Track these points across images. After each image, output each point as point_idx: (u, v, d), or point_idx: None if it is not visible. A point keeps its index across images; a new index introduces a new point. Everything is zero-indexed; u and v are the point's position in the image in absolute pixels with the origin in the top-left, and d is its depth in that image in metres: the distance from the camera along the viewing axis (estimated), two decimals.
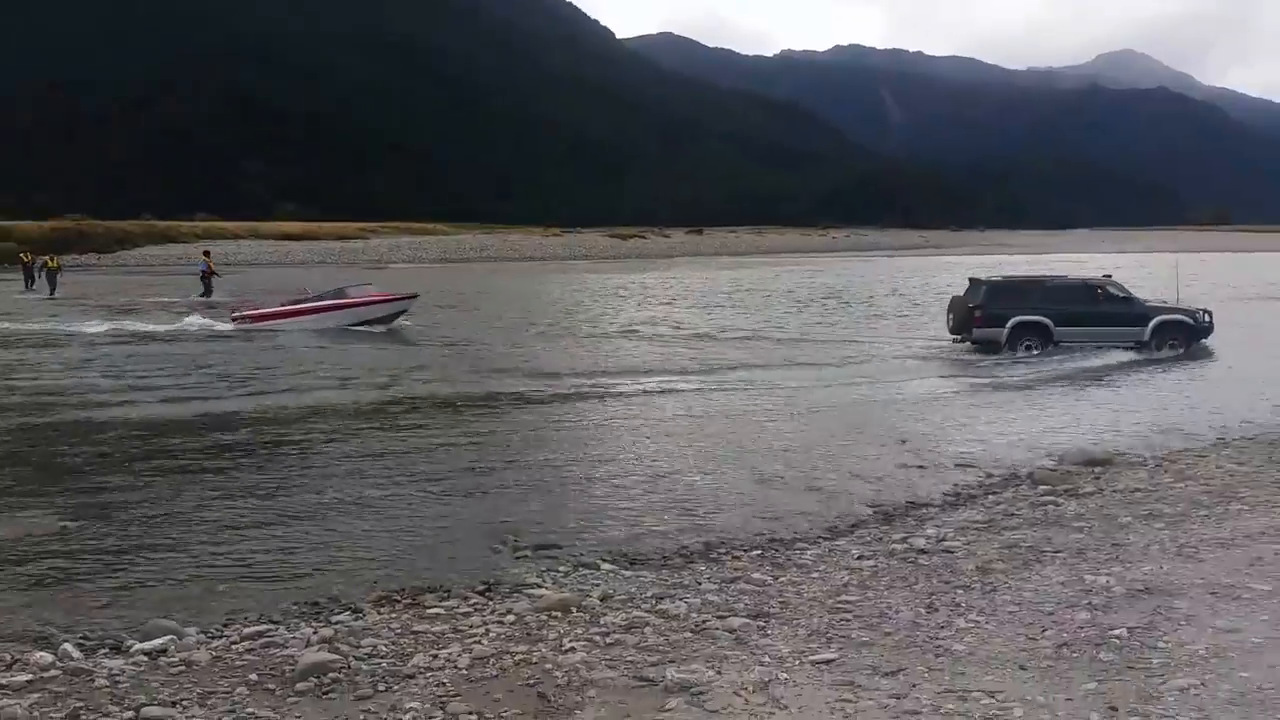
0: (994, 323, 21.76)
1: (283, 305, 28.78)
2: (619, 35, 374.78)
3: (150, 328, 26.88)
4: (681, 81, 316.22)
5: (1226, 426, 13.45)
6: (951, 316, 23.76)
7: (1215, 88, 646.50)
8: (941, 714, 4.40)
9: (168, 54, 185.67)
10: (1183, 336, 21.74)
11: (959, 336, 23.31)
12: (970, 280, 24.08)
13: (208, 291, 38.07)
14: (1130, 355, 20.90)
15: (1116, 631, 5.27)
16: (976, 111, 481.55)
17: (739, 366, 20.65)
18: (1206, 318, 22.20)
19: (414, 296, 30.18)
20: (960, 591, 6.41)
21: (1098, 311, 22.03)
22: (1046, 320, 21.62)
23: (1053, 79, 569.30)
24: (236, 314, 28.25)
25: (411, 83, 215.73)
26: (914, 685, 4.76)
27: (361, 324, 27.61)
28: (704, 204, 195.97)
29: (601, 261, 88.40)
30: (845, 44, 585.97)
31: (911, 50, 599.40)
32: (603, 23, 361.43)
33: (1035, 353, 21.37)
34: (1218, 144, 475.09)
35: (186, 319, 28.41)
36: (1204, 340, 22.09)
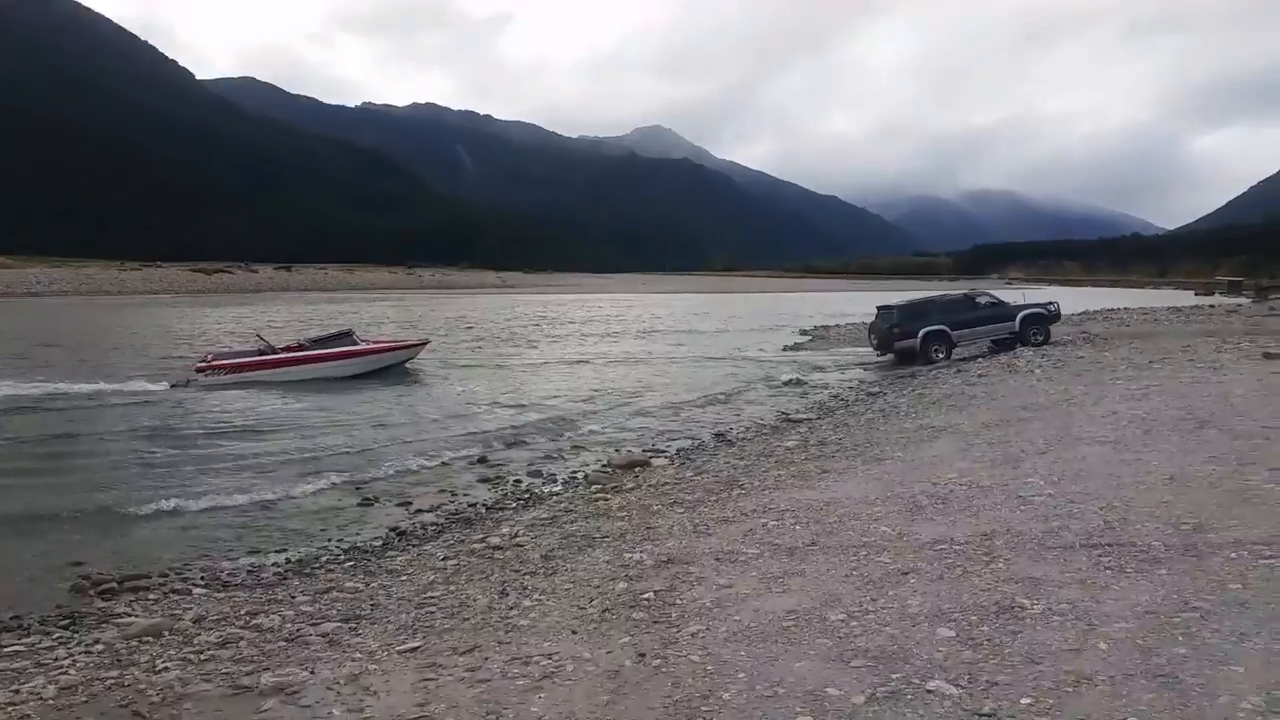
0: (909, 336, 24.23)
1: (265, 353, 22.83)
2: (199, 76, 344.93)
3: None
4: (266, 124, 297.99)
5: (731, 428, 15.38)
6: (874, 338, 26.16)
7: (725, 160, 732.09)
8: (508, 677, 4.72)
9: None
10: (1041, 323, 24.83)
11: (881, 352, 25.80)
12: (879, 308, 26.71)
13: None
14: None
15: (646, 595, 5.92)
16: (539, 170, 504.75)
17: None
18: (1054, 307, 25.72)
19: (424, 343, 25.83)
20: (528, 577, 6.83)
21: (979, 315, 24.93)
22: (945, 327, 24.20)
23: (600, 146, 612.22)
24: (203, 364, 21.80)
25: None
26: (487, 658, 5.05)
27: (362, 374, 22.77)
28: (293, 242, 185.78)
29: (185, 296, 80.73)
30: (422, 102, 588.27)
31: (482, 112, 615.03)
32: (181, 63, 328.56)
33: (941, 354, 23.71)
34: (727, 206, 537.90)
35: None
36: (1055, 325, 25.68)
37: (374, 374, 23.21)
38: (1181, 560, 5.74)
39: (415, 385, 22.15)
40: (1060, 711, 3.88)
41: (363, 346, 24.05)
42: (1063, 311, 27.73)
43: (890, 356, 25.71)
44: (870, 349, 27.03)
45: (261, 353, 23.11)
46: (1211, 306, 50.02)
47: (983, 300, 25.85)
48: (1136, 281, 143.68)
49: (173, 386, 21.03)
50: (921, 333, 24.28)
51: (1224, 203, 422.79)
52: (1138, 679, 4.13)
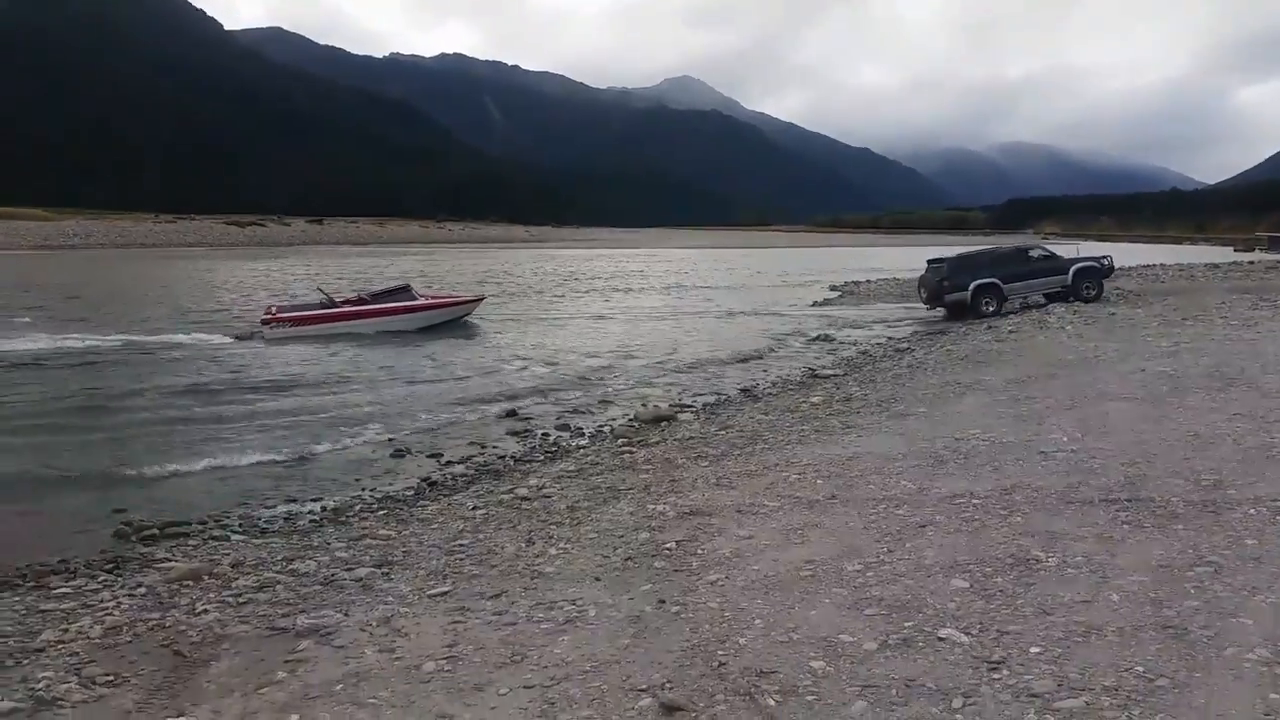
0: (960, 289, 24.03)
1: (326, 306, 23.28)
2: (227, 27, 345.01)
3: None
4: (295, 75, 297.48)
5: (757, 384, 15.46)
6: (924, 291, 25.90)
7: (755, 111, 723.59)
8: (533, 621, 4.90)
9: None
10: (1094, 277, 24.52)
11: (931, 306, 25.70)
12: (929, 261, 26.34)
13: None
14: None
15: (668, 545, 6.06)
16: (568, 121, 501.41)
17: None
18: (1107, 261, 25.44)
19: (481, 299, 26.34)
20: (554, 527, 7.01)
21: (1031, 268, 24.73)
22: (997, 280, 24.01)
23: (628, 98, 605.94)
24: (267, 316, 22.34)
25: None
26: (513, 602, 5.24)
27: (426, 328, 23.27)
28: (323, 195, 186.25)
29: (219, 249, 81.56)
30: (450, 52, 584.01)
31: (509, 63, 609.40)
32: (209, 13, 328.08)
33: (992, 307, 23.53)
34: (758, 158, 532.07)
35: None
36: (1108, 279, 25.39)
37: (419, 330, 23.43)
38: (1200, 516, 5.79)
39: (446, 340, 22.34)
40: (1068, 660, 3.98)
41: (422, 301, 24.33)
42: None
43: (941, 311, 25.45)
44: (895, 305, 26.84)
45: (324, 306, 23.43)
46: (1250, 263, 49.04)
47: (1035, 254, 25.57)
48: (1174, 237, 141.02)
49: (237, 339, 21.57)
50: (972, 286, 23.96)
51: (1267, 156, 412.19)
52: (1147, 630, 4.22)
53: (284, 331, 21.76)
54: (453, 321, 24.48)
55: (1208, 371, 11.09)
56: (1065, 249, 28.28)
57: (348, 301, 23.94)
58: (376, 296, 24.20)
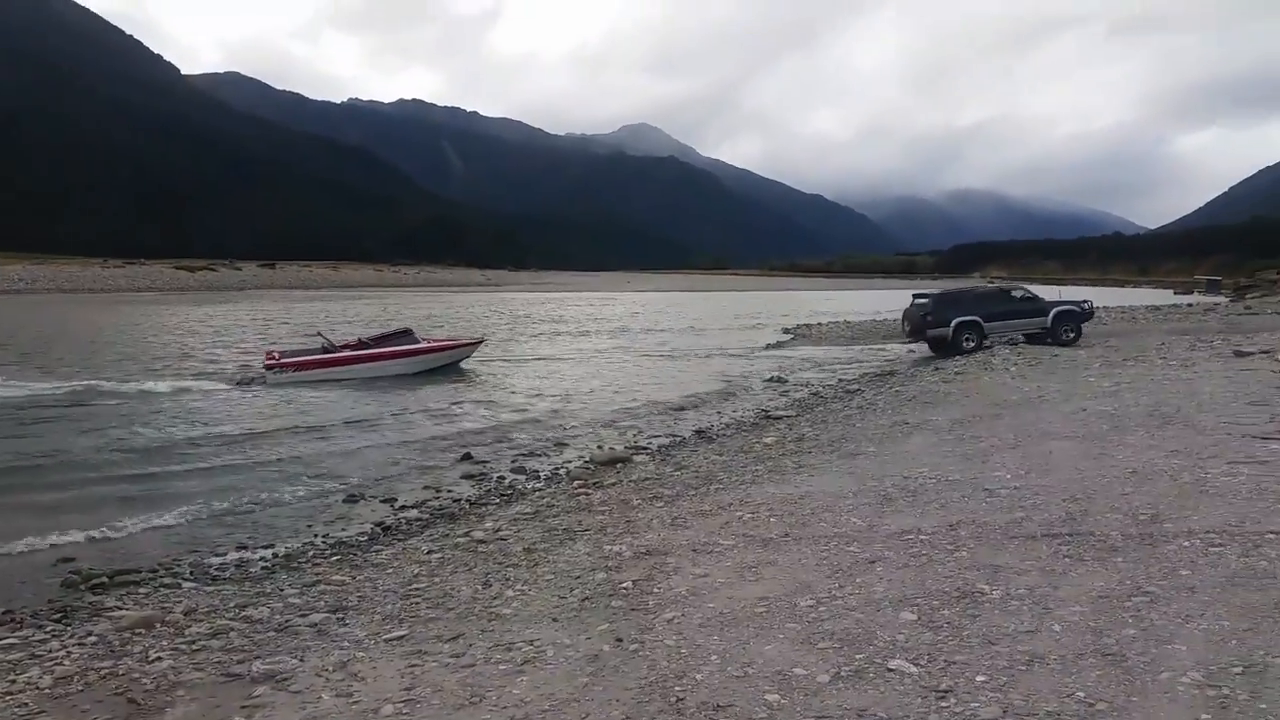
0: (942, 324, 24.48)
1: (327, 351, 23.21)
2: (184, 71, 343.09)
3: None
4: (252, 121, 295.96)
5: (712, 425, 15.59)
6: (907, 325, 26.34)
7: (710, 158, 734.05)
8: (491, 663, 4.90)
9: None
10: (1074, 320, 24.99)
11: (913, 340, 26.27)
12: (914, 296, 26.77)
13: None
14: None
15: (624, 584, 6.11)
16: (526, 167, 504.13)
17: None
18: (1088, 305, 26.05)
19: (480, 341, 26.43)
20: (510, 569, 7.01)
21: (1012, 309, 25.22)
22: (978, 319, 24.48)
23: (587, 144, 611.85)
24: (270, 361, 22.04)
25: None
26: (470, 645, 5.24)
27: (424, 371, 23.37)
28: (282, 240, 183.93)
29: (170, 294, 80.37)
30: (409, 98, 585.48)
31: (468, 109, 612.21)
32: (166, 58, 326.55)
33: (972, 344, 23.82)
34: (713, 204, 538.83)
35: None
36: (1087, 323, 25.97)
37: (417, 373, 23.41)
38: (1137, 549, 5.98)
39: (402, 387, 22.20)
40: (1012, 688, 4.10)
41: (423, 345, 24.42)
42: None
43: (922, 345, 26.08)
44: (845, 348, 27.26)
45: (325, 351, 23.40)
46: (1189, 305, 50.64)
47: (1017, 294, 26.29)
48: (1117, 280, 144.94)
49: (238, 384, 21.39)
50: (954, 322, 24.51)
51: (1204, 202, 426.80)
52: (1087, 658, 4.36)
53: (287, 376, 21.68)
54: (452, 365, 24.58)
55: (1147, 411, 11.44)
56: (1047, 292, 29.27)
57: (347, 346, 23.96)
58: (377, 341, 24.31)
